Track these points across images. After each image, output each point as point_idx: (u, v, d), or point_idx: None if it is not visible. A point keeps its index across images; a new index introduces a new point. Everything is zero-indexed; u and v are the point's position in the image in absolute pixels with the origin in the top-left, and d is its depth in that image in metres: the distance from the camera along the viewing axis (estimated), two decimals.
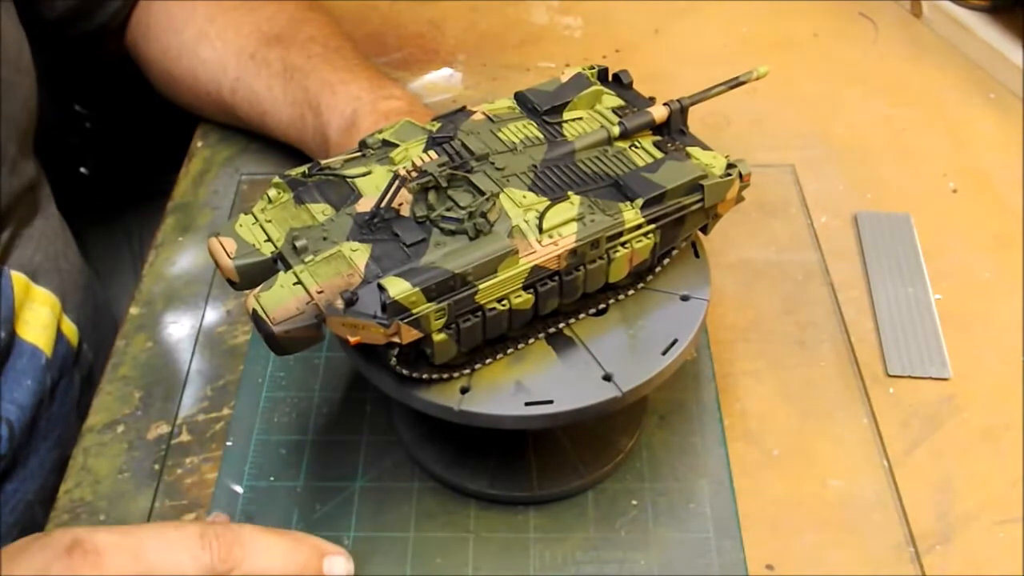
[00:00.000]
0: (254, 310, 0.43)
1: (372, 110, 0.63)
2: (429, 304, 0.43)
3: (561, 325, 0.49)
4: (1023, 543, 0.52)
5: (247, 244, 0.46)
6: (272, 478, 0.54)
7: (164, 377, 0.60)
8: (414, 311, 0.43)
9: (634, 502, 0.53)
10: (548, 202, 0.46)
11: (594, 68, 0.55)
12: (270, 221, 0.47)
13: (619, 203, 0.47)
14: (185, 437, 0.57)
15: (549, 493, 0.53)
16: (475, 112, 0.53)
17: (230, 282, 0.47)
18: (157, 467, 0.55)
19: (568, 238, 0.45)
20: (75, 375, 0.67)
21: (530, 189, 0.47)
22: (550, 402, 0.46)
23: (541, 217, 0.45)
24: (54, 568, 0.41)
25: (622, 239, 0.47)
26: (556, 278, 0.46)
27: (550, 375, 0.47)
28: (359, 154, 0.51)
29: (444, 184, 0.45)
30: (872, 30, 0.87)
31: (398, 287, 0.42)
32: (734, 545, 0.51)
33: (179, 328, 0.63)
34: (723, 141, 0.50)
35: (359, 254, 0.44)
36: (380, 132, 0.51)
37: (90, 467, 0.55)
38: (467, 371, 0.47)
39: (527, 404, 0.46)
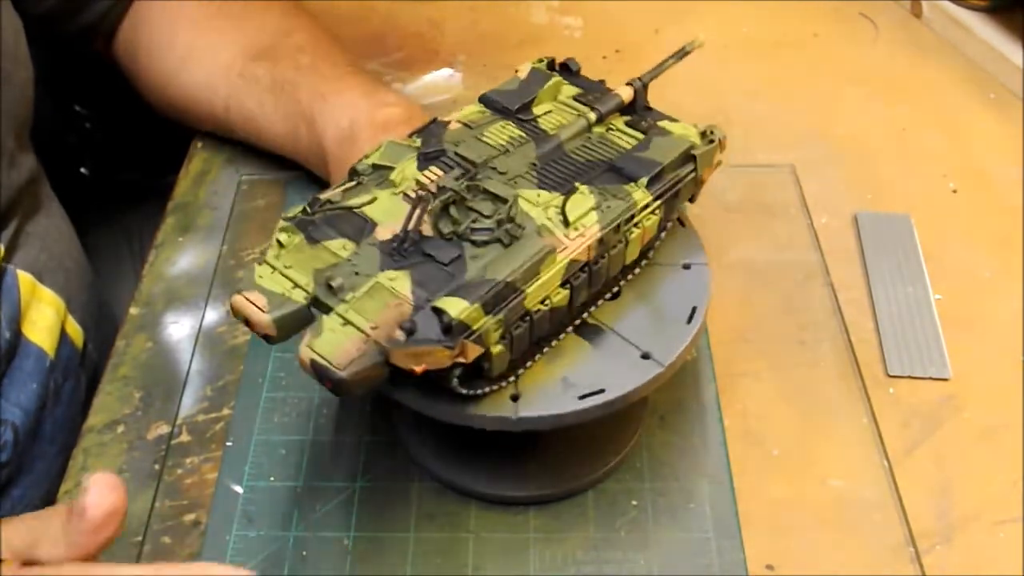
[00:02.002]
0: (312, 360, 0.41)
1: (370, 121, 0.62)
2: (488, 318, 0.43)
3: (584, 315, 0.50)
4: (1023, 543, 0.52)
5: (276, 295, 0.44)
6: (272, 478, 0.54)
7: (164, 377, 0.60)
8: (475, 327, 0.42)
9: (634, 502, 0.53)
10: (562, 197, 0.47)
11: (542, 60, 0.56)
12: (290, 267, 0.45)
13: (624, 185, 0.48)
14: (185, 437, 0.57)
15: (549, 493, 0.53)
16: (449, 122, 0.52)
17: (265, 338, 0.43)
18: (157, 467, 0.55)
19: (592, 228, 0.46)
20: (81, 377, 0.67)
21: (539, 187, 0.48)
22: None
23: (563, 212, 0.46)
24: None
25: (635, 220, 0.48)
26: (586, 269, 0.47)
27: (591, 365, 0.48)
28: (354, 183, 0.49)
29: (466, 197, 0.46)
30: (872, 30, 0.87)
31: (457, 306, 0.41)
32: (734, 545, 0.51)
33: (179, 328, 0.63)
34: None
35: (399, 282, 0.43)
36: (367, 157, 0.50)
37: (90, 467, 0.55)
38: (512, 378, 0.47)
39: (580, 398, 0.46)
